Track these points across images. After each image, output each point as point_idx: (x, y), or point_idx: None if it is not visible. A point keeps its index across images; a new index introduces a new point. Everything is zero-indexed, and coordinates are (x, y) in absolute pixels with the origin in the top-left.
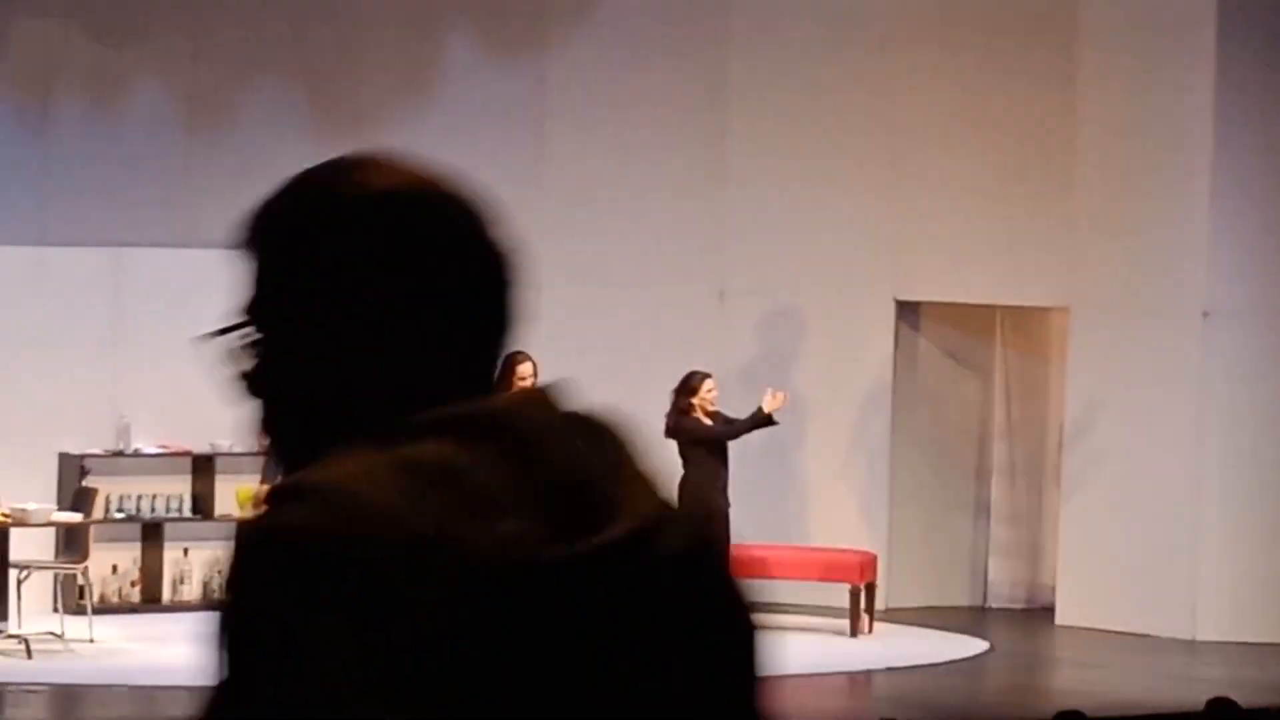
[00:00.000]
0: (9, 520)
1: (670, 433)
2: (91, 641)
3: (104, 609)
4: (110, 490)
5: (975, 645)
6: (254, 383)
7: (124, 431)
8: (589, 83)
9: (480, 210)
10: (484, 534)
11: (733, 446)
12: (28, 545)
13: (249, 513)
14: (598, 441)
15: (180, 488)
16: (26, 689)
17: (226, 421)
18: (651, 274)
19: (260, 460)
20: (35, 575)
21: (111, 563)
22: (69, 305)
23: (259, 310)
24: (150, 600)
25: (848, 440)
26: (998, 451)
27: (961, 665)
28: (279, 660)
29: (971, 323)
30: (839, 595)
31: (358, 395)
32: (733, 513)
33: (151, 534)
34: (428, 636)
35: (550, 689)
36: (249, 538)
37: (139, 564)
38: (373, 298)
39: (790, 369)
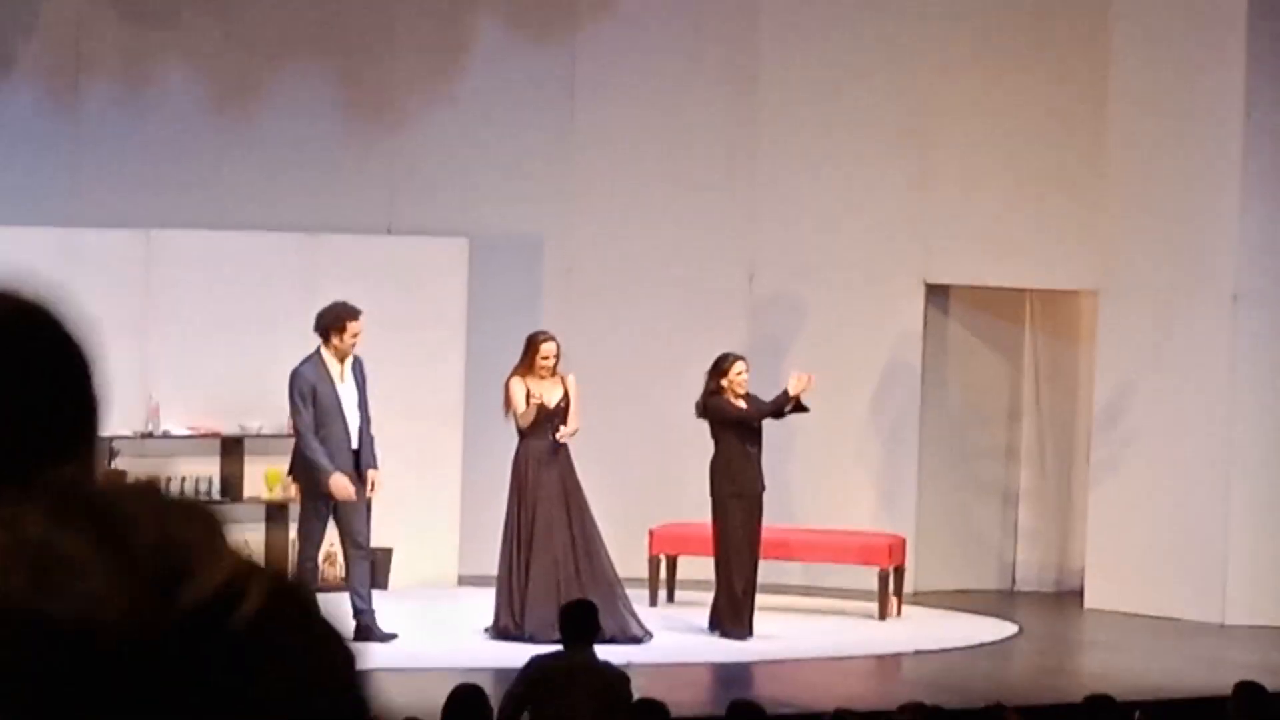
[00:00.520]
0: None
1: (700, 412)
2: None
3: None
4: (139, 471)
5: (1004, 629)
6: None
7: (153, 413)
8: (619, 66)
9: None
10: (66, 598)
11: (765, 429)
12: None
13: (278, 494)
14: (188, 519)
15: (209, 469)
16: None
17: (255, 403)
18: (681, 256)
19: (289, 442)
20: None
21: None
22: (99, 287)
23: None
24: None
25: (876, 424)
26: (1026, 435)
27: (990, 649)
28: None
29: (1001, 306)
30: (867, 578)
31: None
32: (765, 496)
33: None
34: (8, 700)
35: None
36: None
37: None
38: None
39: (819, 352)
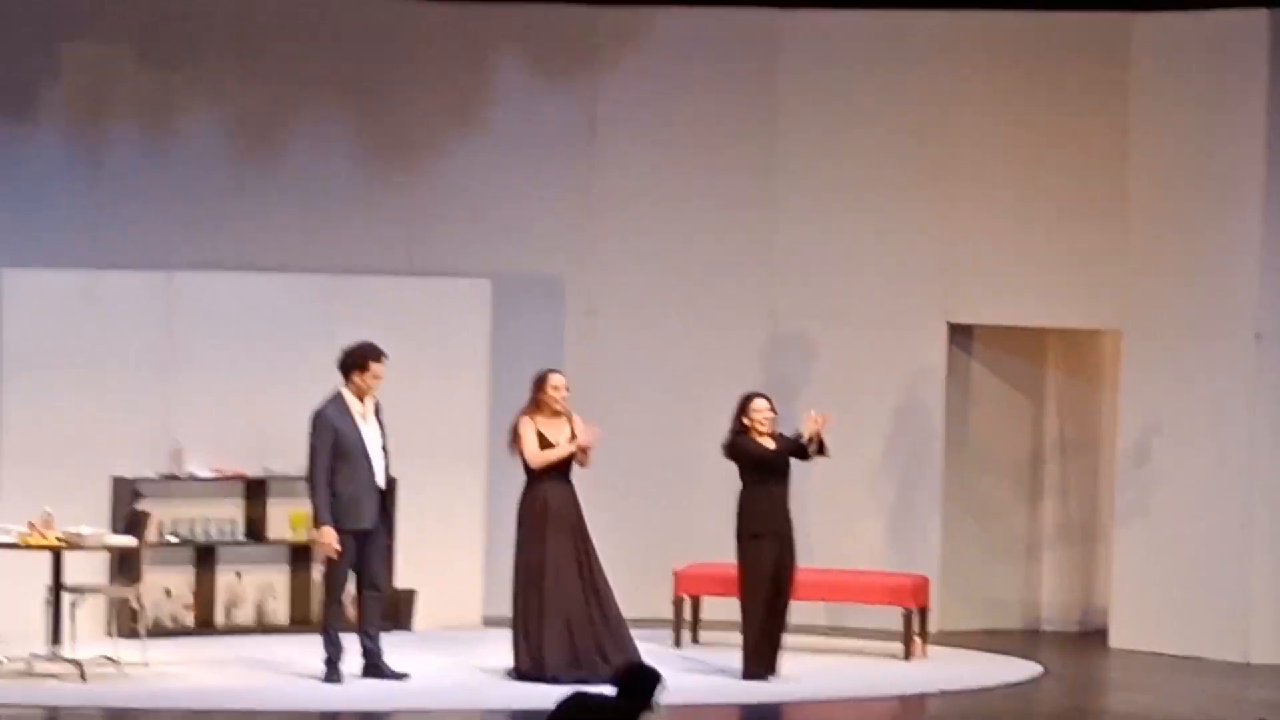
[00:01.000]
0: (63, 544)
1: (726, 453)
2: (145, 665)
3: (157, 632)
4: (163, 514)
5: (1029, 669)
6: None
7: (177, 455)
8: (639, 108)
9: None
10: None
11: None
12: (81, 569)
13: (301, 536)
14: None
15: (233, 511)
16: (80, 712)
17: (279, 445)
18: (702, 297)
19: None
20: (89, 599)
21: (165, 586)
22: (121, 329)
23: None
24: (203, 624)
25: (900, 463)
26: (1050, 474)
27: (1015, 689)
28: None
29: (1024, 345)
30: (892, 619)
31: None
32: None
33: (204, 558)
34: None
35: None
36: None
37: (192, 587)
38: None
39: (841, 393)
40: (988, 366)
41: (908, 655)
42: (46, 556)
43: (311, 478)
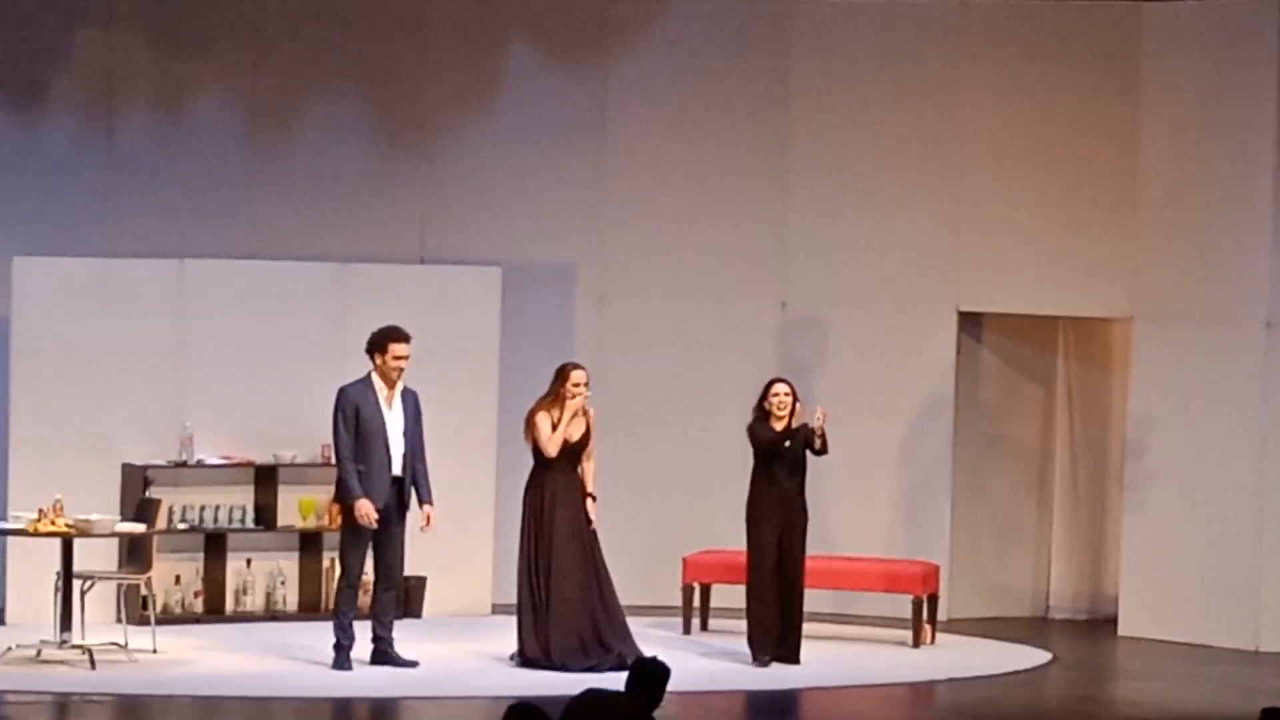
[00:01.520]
0: (73, 531)
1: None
2: (154, 652)
3: (167, 619)
4: (173, 501)
5: (1038, 656)
6: None
7: (187, 442)
8: (650, 93)
9: None
10: None
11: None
12: (91, 556)
13: (311, 523)
14: None
15: (243, 498)
16: (90, 699)
17: (289, 432)
18: (714, 284)
19: (322, 471)
20: (99, 586)
21: (174, 573)
22: (133, 316)
23: None
24: (213, 611)
25: (910, 451)
26: (1060, 462)
27: (1024, 676)
28: None
29: (1034, 334)
30: (901, 606)
31: None
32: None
33: (214, 545)
34: None
35: None
36: None
37: (202, 575)
38: None
39: (852, 381)
40: (999, 354)
41: (917, 643)
42: (56, 543)
43: (337, 453)
